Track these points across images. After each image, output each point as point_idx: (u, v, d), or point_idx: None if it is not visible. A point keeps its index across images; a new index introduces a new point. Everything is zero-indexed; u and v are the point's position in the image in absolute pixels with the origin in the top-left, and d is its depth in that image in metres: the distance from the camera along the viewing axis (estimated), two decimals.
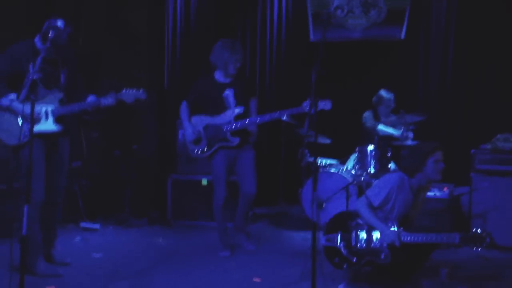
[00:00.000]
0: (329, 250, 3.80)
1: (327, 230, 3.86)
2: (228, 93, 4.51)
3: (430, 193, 4.78)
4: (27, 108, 3.35)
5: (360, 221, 3.75)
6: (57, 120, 3.73)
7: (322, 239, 3.78)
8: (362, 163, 5.51)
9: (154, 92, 6.47)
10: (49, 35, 3.35)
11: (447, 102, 6.19)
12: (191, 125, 4.59)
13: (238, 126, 4.47)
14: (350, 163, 5.79)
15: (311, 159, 5.89)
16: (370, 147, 5.45)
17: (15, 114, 3.62)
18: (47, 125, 3.68)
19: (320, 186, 5.40)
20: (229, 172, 4.64)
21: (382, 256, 3.58)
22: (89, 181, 5.70)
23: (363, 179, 5.54)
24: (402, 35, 6.33)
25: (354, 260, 3.66)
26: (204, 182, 5.66)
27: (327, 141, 5.76)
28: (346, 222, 3.78)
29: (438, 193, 5.06)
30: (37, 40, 3.69)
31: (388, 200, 3.69)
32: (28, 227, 3.10)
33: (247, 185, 4.58)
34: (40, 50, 3.60)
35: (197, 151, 4.58)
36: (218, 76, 4.59)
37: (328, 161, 5.87)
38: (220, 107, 4.52)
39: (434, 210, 4.84)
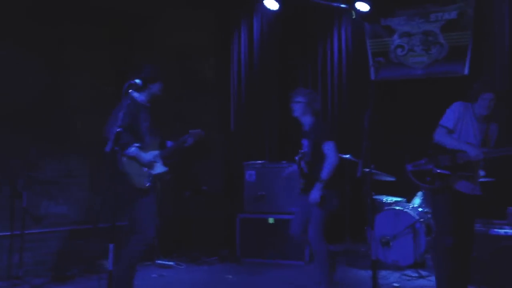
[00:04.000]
0: (417, 173, 3.95)
1: (412, 160, 4.01)
2: (304, 142, 4.64)
3: (500, 231, 4.67)
4: (148, 156, 4.01)
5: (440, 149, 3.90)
6: (164, 162, 4.19)
7: (409, 167, 3.96)
8: (429, 200, 5.48)
9: (222, 134, 6.84)
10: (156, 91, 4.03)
11: None
12: None
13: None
14: (416, 201, 5.77)
15: (376, 197, 5.93)
16: None
17: (140, 161, 4.03)
18: (160, 168, 4.15)
19: (386, 224, 5.44)
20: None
21: (470, 171, 3.80)
22: (163, 221, 6.03)
23: (431, 216, 5.50)
24: (466, 70, 6.33)
25: (449, 173, 3.83)
26: (271, 220, 5.84)
27: (392, 178, 5.79)
28: (427, 151, 3.95)
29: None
30: (137, 95, 4.10)
31: (459, 120, 3.87)
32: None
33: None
34: (142, 104, 4.09)
35: None
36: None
37: (394, 199, 5.88)
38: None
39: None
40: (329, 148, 4.32)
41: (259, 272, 5.42)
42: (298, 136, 6.87)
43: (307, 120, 4.55)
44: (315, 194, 4.26)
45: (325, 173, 4.27)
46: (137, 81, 3.64)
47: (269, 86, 6.94)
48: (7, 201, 5.05)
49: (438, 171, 3.81)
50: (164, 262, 5.68)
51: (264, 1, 6.61)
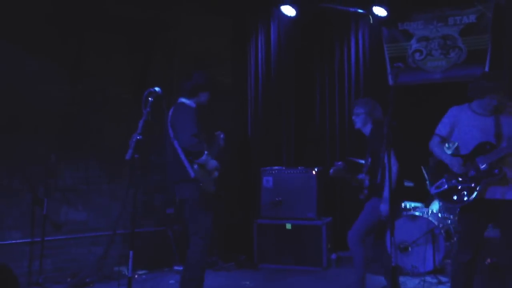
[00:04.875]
0: (444, 193, 3.75)
1: (432, 181, 3.83)
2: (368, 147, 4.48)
3: None
4: (213, 162, 4.15)
5: None
6: None
7: (432, 190, 3.79)
8: (448, 206, 5.41)
9: (239, 140, 6.86)
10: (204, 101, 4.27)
11: None
12: None
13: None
14: (434, 206, 5.71)
15: None
16: None
17: (208, 167, 4.13)
18: (216, 173, 4.26)
19: (405, 229, 5.38)
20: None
21: (496, 171, 3.54)
22: (181, 227, 6.07)
23: (450, 222, 5.44)
24: None
25: (473, 185, 3.59)
26: (288, 226, 5.83)
27: (410, 184, 5.74)
28: (444, 168, 3.75)
29: None
30: (189, 103, 4.24)
31: (454, 125, 3.71)
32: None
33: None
34: (195, 111, 4.20)
35: None
36: None
37: (412, 204, 5.83)
38: None
39: None
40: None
41: (276, 278, 5.42)
42: (315, 142, 6.91)
43: (368, 130, 4.38)
44: (384, 208, 4.07)
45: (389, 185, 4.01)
46: (157, 89, 3.67)
47: (286, 92, 6.95)
48: (28, 208, 5.14)
49: (463, 185, 3.60)
50: (181, 268, 5.68)
51: (281, 8, 6.62)
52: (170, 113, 4.21)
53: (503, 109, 3.66)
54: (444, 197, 3.71)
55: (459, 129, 3.70)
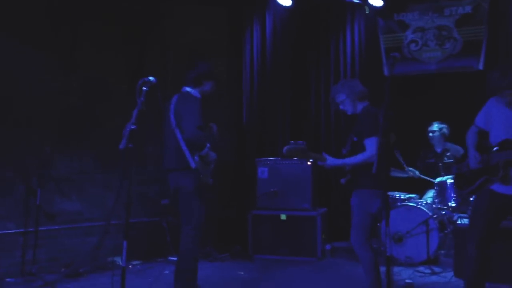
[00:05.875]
0: (457, 176, 3.94)
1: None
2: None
3: None
4: (213, 154, 4.15)
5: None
6: None
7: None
8: (442, 197, 5.44)
9: (234, 131, 6.84)
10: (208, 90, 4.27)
11: None
12: None
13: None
14: (428, 197, 5.73)
15: (389, 193, 5.89)
16: (450, 181, 5.37)
17: (208, 159, 4.12)
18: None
19: (399, 220, 5.40)
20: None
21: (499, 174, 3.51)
22: (176, 218, 6.06)
23: (444, 212, 5.46)
24: (481, 65, 6.24)
25: (474, 177, 3.65)
26: (283, 217, 5.84)
27: (404, 175, 5.76)
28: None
29: None
30: (194, 92, 4.20)
31: (488, 117, 3.65)
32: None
33: None
34: (200, 100, 4.16)
35: None
36: None
37: (407, 195, 5.84)
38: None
39: None
40: (370, 144, 3.65)
41: (271, 269, 5.43)
42: (311, 133, 6.90)
43: (360, 108, 3.94)
44: (331, 162, 3.81)
45: (352, 159, 3.76)
46: (151, 78, 3.63)
47: (282, 83, 6.93)
48: (21, 198, 5.12)
49: (469, 175, 3.67)
50: (176, 259, 5.68)
51: None
52: (173, 101, 4.17)
53: None
54: (456, 179, 3.89)
55: (492, 122, 3.62)
